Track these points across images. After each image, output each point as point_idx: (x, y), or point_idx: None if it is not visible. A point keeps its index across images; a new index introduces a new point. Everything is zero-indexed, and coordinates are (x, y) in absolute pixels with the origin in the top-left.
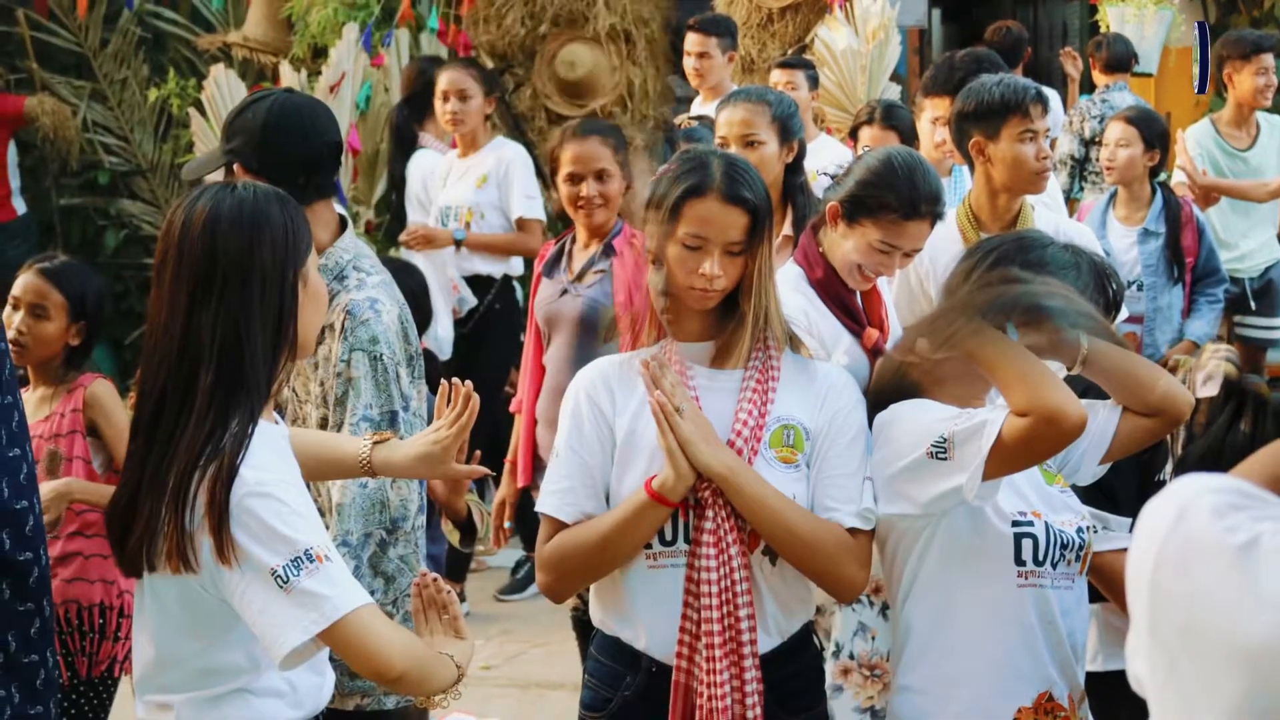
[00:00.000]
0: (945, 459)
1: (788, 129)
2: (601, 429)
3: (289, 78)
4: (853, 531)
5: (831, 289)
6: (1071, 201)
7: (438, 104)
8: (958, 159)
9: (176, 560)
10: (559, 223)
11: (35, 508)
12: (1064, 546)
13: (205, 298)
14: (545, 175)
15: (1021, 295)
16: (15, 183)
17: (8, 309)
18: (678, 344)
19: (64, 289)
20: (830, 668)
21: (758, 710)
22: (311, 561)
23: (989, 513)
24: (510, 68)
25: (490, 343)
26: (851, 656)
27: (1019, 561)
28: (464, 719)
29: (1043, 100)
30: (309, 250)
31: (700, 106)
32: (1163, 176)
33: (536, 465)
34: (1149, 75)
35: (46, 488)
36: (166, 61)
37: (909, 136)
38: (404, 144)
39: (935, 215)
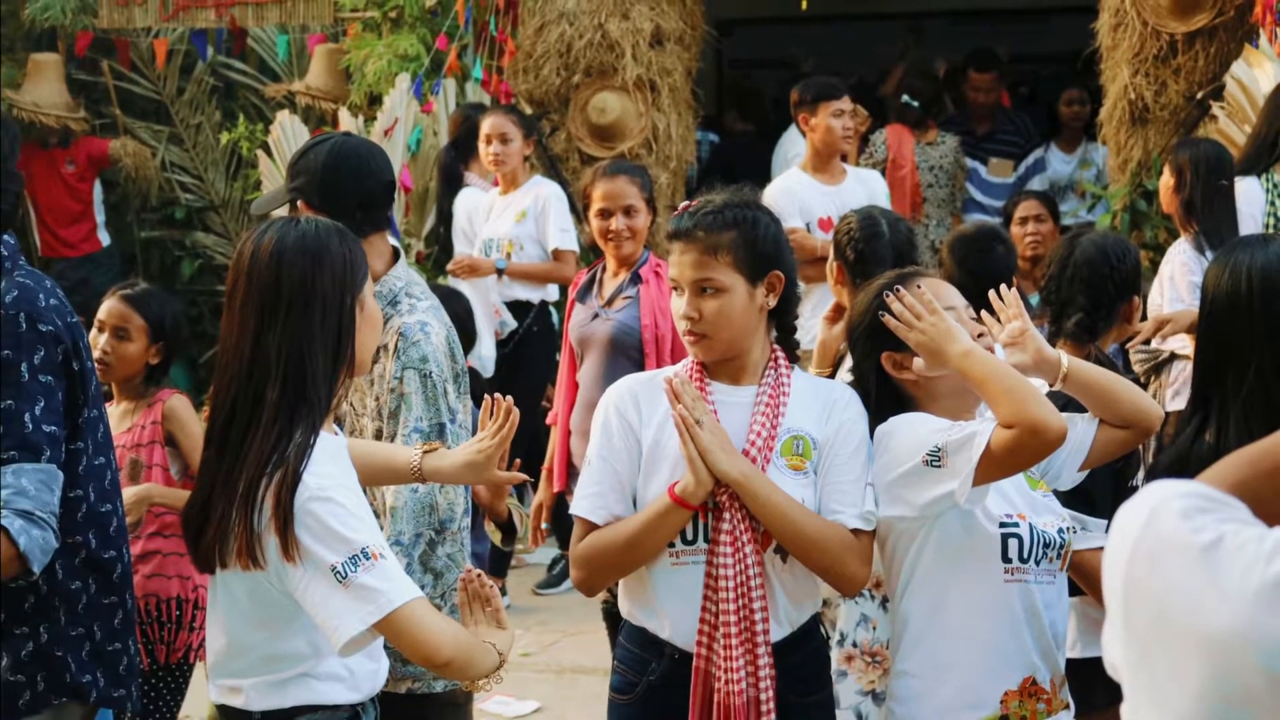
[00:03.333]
0: (939, 467)
1: None
2: (629, 439)
3: (347, 123)
4: (855, 532)
5: None
6: None
7: (481, 146)
8: None
9: (246, 558)
10: (590, 253)
11: (118, 510)
12: (1046, 545)
13: (272, 321)
14: (578, 210)
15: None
16: (101, 217)
17: (94, 331)
18: (698, 362)
19: (144, 313)
20: (835, 655)
21: (770, 693)
22: (368, 559)
23: (979, 515)
24: (547, 113)
25: (529, 362)
26: (855, 645)
27: (1005, 559)
28: (505, 700)
29: None
30: (365, 278)
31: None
32: None
33: (570, 472)
34: None
35: (129, 492)
36: (236, 108)
37: None
38: (451, 182)
39: None
